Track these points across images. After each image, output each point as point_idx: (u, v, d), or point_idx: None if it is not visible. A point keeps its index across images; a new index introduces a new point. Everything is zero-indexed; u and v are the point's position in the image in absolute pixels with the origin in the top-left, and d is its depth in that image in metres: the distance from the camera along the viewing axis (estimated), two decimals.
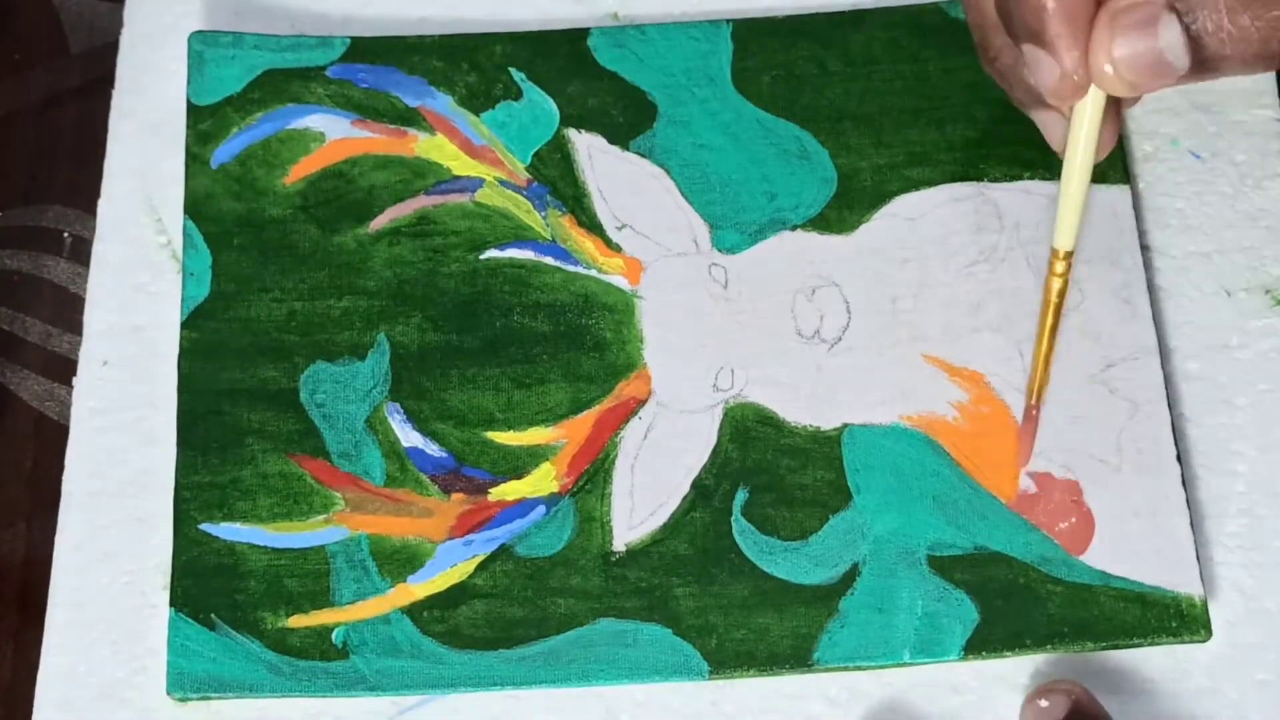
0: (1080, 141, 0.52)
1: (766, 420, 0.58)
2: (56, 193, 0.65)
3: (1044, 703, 0.52)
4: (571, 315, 0.59)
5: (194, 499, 0.57)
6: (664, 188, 0.61)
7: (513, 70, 0.63)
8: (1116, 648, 0.55)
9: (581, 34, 0.63)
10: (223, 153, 0.61)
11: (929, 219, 0.60)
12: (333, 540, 0.57)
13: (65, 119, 0.66)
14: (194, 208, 0.61)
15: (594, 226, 0.61)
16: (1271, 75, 0.63)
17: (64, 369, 0.62)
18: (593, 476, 0.57)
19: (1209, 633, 0.54)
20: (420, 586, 0.56)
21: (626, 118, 0.62)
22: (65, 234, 0.64)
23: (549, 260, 0.60)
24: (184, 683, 0.55)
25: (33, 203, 0.65)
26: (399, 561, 0.56)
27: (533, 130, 0.62)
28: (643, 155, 0.61)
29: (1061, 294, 0.55)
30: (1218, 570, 0.57)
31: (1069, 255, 0.54)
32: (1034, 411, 0.57)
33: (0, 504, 0.60)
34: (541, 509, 0.57)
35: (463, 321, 0.59)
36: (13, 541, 0.60)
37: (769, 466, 0.57)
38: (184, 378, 0.58)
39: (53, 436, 0.61)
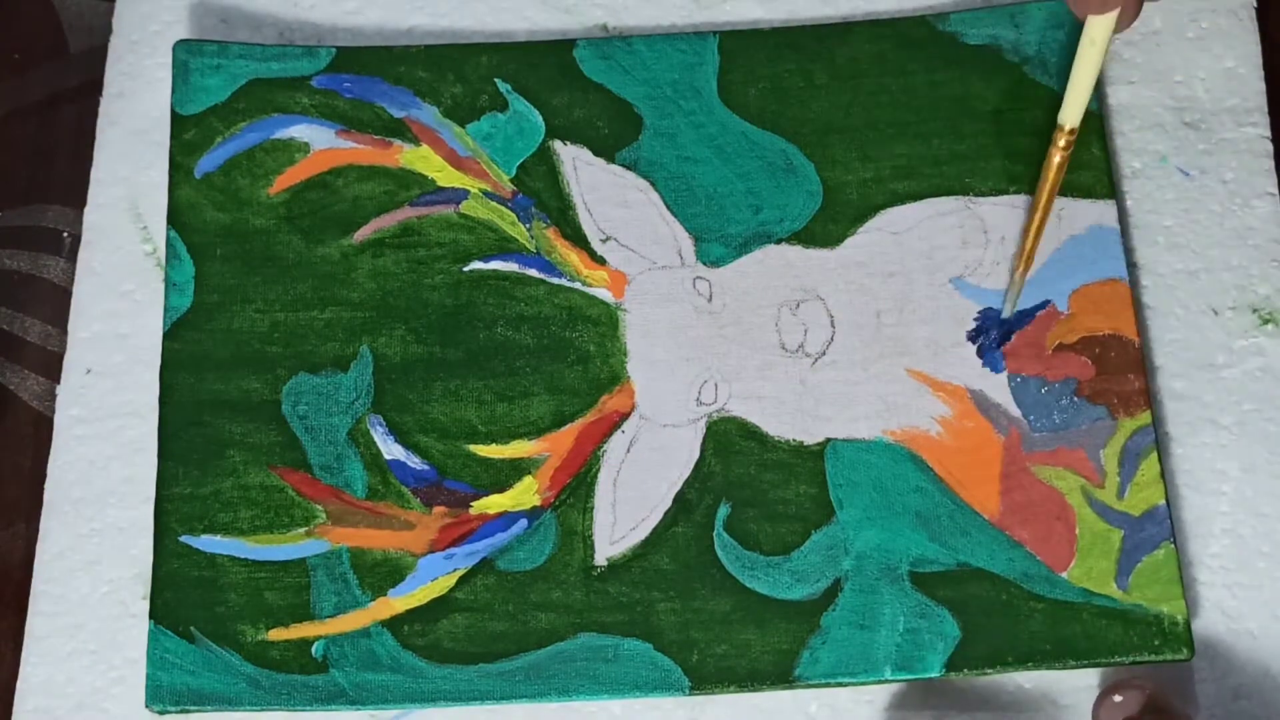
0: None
1: (749, 434, 0.58)
2: (56, 193, 0.65)
3: (1118, 698, 0.52)
4: (555, 328, 0.59)
5: (174, 511, 0.57)
6: (649, 200, 0.61)
7: (498, 81, 0.62)
8: (1098, 665, 0.55)
9: (567, 45, 0.63)
10: (207, 163, 0.61)
11: (914, 233, 0.60)
12: (313, 553, 0.56)
13: (64, 119, 0.66)
14: (177, 218, 0.60)
15: (579, 239, 0.60)
16: (1261, 93, 0.63)
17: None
18: (575, 490, 0.57)
19: (1191, 651, 0.54)
20: (401, 600, 0.56)
21: (612, 130, 0.62)
22: (65, 234, 0.64)
23: (533, 272, 0.60)
24: (163, 695, 0.55)
25: (33, 202, 0.65)
26: (380, 575, 0.56)
27: (518, 142, 0.62)
28: (628, 167, 0.61)
29: (1060, 169, 0.57)
30: (1200, 590, 0.57)
31: (1073, 131, 0.56)
32: (1020, 276, 0.58)
33: (0, 504, 0.60)
34: (523, 523, 0.57)
35: (446, 334, 0.59)
36: (12, 541, 0.60)
37: (751, 481, 0.57)
38: (165, 389, 0.58)
39: (52, 436, 0.60)
